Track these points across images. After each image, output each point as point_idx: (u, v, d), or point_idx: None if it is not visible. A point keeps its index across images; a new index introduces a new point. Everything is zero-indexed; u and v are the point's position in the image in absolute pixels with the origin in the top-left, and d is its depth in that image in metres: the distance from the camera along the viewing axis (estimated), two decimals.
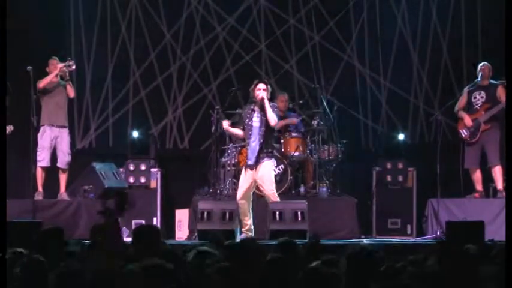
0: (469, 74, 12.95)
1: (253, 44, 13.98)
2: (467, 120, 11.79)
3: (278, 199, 10.77)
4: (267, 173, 10.69)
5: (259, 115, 10.68)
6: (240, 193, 10.72)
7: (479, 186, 11.87)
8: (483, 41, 13.62)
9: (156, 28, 13.94)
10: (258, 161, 10.61)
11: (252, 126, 10.69)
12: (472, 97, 11.90)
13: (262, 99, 10.59)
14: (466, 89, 12.05)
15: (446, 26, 13.77)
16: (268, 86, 10.75)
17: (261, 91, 10.64)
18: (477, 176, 11.84)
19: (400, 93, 13.78)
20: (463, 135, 11.86)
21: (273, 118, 10.57)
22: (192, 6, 14.01)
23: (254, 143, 10.65)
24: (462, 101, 12.01)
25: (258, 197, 11.12)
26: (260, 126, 10.66)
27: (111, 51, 13.91)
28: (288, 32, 14.02)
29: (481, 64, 11.98)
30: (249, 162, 10.66)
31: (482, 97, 11.85)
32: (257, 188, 10.88)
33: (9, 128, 11.24)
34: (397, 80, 13.80)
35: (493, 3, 13.24)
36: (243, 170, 10.83)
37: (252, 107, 10.76)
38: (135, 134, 13.17)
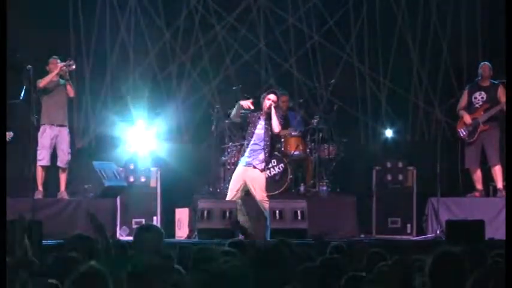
0: (469, 73, 12.97)
1: (252, 43, 13.98)
2: (467, 118, 11.80)
3: (268, 204, 10.78)
4: (258, 178, 10.71)
5: (263, 123, 10.75)
6: (230, 195, 10.75)
7: (479, 186, 11.88)
8: (483, 40, 13.63)
9: (155, 27, 13.93)
10: (254, 163, 10.65)
11: (254, 133, 10.76)
12: (473, 97, 11.90)
13: (270, 107, 10.66)
14: (466, 89, 12.06)
15: (446, 25, 13.78)
16: (279, 99, 10.86)
17: (270, 101, 10.71)
18: (477, 175, 11.85)
19: (400, 92, 13.78)
20: (461, 135, 11.87)
21: (277, 126, 10.70)
22: (191, 5, 14.01)
23: (256, 147, 10.69)
24: (463, 101, 12.02)
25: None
26: (264, 134, 10.72)
27: (110, 51, 13.90)
28: (288, 31, 14.02)
29: (481, 64, 11.99)
30: (247, 160, 10.67)
31: (482, 97, 11.86)
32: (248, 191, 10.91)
33: (8, 135, 11.21)
34: (397, 79, 13.80)
35: (492, 2, 13.25)
36: (239, 167, 10.82)
37: (259, 115, 10.81)
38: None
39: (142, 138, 13.10)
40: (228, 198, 10.74)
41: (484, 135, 11.77)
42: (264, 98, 10.84)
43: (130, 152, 12.95)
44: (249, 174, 10.70)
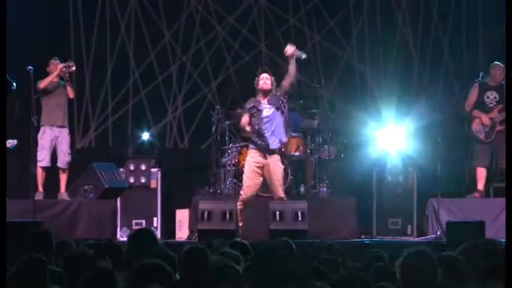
0: (470, 73, 12.97)
1: (253, 44, 13.98)
2: (485, 119, 11.74)
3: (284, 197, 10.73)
4: (278, 171, 10.61)
5: (268, 105, 10.57)
6: (250, 191, 10.56)
7: (480, 186, 11.84)
8: (484, 40, 13.62)
9: (155, 28, 13.93)
10: (274, 151, 10.53)
11: (263, 116, 10.52)
12: (485, 96, 11.82)
13: (292, 55, 10.52)
14: (475, 87, 11.89)
15: (447, 26, 13.78)
16: (272, 77, 10.66)
17: (265, 80, 10.58)
18: (482, 174, 11.80)
19: (400, 93, 13.75)
20: (480, 136, 11.77)
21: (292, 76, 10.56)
22: (191, 5, 14.01)
23: (274, 130, 10.49)
24: (472, 97, 11.88)
25: (257, 196, 11.10)
26: (275, 115, 10.52)
27: (110, 51, 13.90)
28: (288, 32, 14.01)
29: (492, 64, 11.92)
30: (272, 147, 10.47)
31: (495, 97, 11.81)
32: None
33: (12, 142, 11.19)
34: (397, 79, 13.79)
35: (493, 3, 13.24)
36: (252, 163, 10.58)
37: (258, 99, 10.64)
38: (146, 135, 13.17)
39: None
40: (246, 195, 10.52)
41: (499, 136, 11.70)
42: (257, 81, 10.59)
43: None
44: (265, 162, 10.48)
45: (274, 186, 10.59)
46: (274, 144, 10.53)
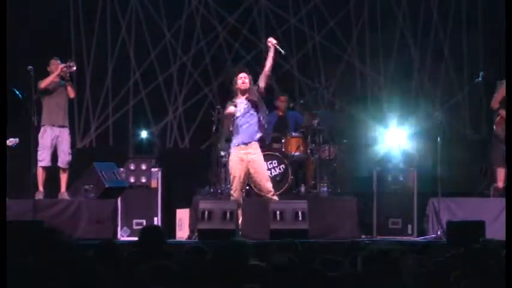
0: (470, 73, 12.97)
1: (253, 44, 13.99)
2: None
3: (277, 198, 10.70)
4: (263, 165, 10.62)
5: (247, 102, 10.52)
6: (238, 185, 10.51)
7: (500, 183, 11.84)
8: (484, 40, 13.63)
9: (156, 28, 13.95)
10: (252, 144, 10.50)
11: (238, 117, 10.45)
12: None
13: (274, 46, 10.51)
14: (503, 85, 11.70)
15: (447, 26, 13.79)
16: (249, 75, 10.60)
17: (243, 79, 10.51)
18: (501, 173, 11.81)
19: (401, 93, 13.77)
20: (502, 136, 11.76)
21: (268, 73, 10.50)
22: (192, 5, 14.02)
23: (246, 125, 10.44)
24: (499, 96, 11.76)
25: (257, 196, 11.09)
26: (250, 114, 10.46)
27: (111, 51, 13.91)
28: (289, 32, 14.02)
29: None
30: (246, 140, 10.42)
31: None
32: (251, 185, 10.78)
33: (14, 141, 11.20)
34: (397, 79, 13.80)
35: (493, 3, 13.25)
36: (236, 158, 10.47)
37: (237, 100, 10.53)
38: (144, 133, 13.15)
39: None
40: (236, 191, 10.49)
41: None
42: (236, 81, 10.50)
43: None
44: (249, 158, 10.42)
45: (262, 181, 10.51)
46: (248, 139, 10.45)
